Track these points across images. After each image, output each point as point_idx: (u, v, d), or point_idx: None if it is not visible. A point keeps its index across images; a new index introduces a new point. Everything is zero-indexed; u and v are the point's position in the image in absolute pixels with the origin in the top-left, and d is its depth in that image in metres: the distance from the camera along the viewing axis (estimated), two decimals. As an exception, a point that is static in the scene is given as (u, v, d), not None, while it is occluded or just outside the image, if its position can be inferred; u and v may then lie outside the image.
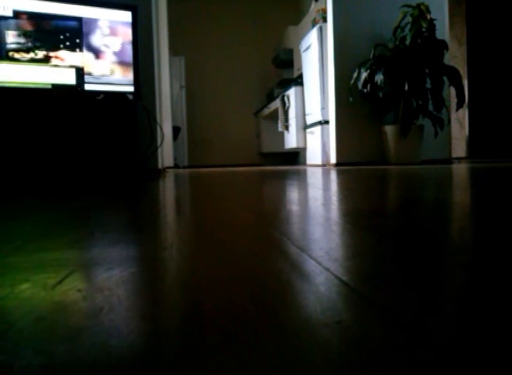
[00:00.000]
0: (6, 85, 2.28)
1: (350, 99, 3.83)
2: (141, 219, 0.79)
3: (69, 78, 2.42)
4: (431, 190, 1.24)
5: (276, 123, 6.09)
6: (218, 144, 7.02)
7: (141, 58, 2.74)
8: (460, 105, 3.60)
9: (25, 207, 1.05)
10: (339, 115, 3.97)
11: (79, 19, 2.44)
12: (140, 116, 2.78)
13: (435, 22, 3.67)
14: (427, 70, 3.64)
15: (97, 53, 2.49)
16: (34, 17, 2.34)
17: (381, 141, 3.96)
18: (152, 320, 0.28)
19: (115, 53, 2.53)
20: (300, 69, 5.35)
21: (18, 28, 2.31)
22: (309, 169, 3.50)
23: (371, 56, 3.76)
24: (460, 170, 2.43)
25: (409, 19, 3.67)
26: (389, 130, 3.79)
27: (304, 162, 5.59)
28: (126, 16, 2.56)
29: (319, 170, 3.20)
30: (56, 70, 2.39)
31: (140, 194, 1.42)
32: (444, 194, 1.07)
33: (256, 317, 0.28)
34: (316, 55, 4.28)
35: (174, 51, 5.78)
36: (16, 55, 2.30)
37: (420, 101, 3.66)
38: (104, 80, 2.50)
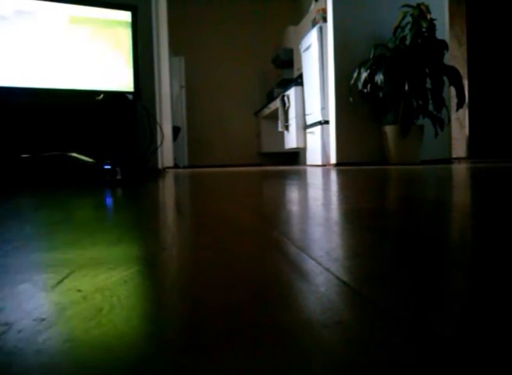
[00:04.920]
0: (3, 85, 2.28)
1: (350, 99, 3.83)
2: (141, 219, 0.78)
3: (68, 78, 2.42)
4: (431, 190, 1.24)
5: (276, 123, 6.09)
6: (218, 144, 7.02)
7: (141, 58, 2.73)
8: (460, 105, 3.60)
9: (26, 207, 1.05)
10: (339, 115, 3.97)
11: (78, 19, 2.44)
12: (140, 116, 2.78)
13: (435, 22, 3.67)
14: (427, 70, 3.64)
15: (95, 53, 2.48)
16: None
17: (381, 141, 3.96)
18: (152, 320, 0.28)
19: (114, 53, 2.53)
20: (300, 69, 5.35)
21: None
22: (309, 169, 3.50)
23: (371, 56, 3.76)
24: (460, 170, 2.43)
25: (409, 19, 3.67)
26: (389, 130, 3.79)
27: (304, 162, 5.59)
28: (126, 15, 2.56)
29: (319, 170, 3.20)
30: (53, 70, 2.38)
31: (140, 194, 1.42)
32: (444, 194, 1.06)
33: (256, 317, 0.28)
34: (316, 55, 4.28)
35: (174, 51, 5.78)
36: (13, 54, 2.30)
37: (420, 101, 3.66)
38: (103, 79, 2.50)
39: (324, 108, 4.24)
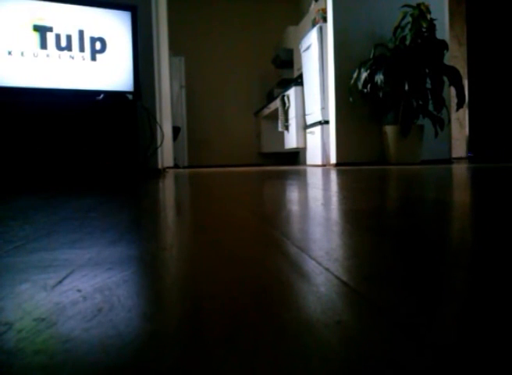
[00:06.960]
0: (7, 85, 2.28)
1: (350, 99, 3.83)
2: (141, 220, 0.78)
3: (68, 78, 2.42)
4: (431, 190, 1.24)
5: (276, 123, 6.09)
6: (218, 144, 7.02)
7: (141, 58, 2.73)
8: (460, 105, 3.60)
9: (26, 207, 1.05)
10: (339, 115, 3.97)
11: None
12: (140, 116, 2.78)
13: (435, 22, 3.67)
14: (427, 70, 3.64)
15: (96, 53, 2.48)
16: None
17: (381, 141, 3.96)
18: (152, 321, 0.28)
19: (114, 53, 2.53)
20: (300, 69, 5.35)
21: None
22: (309, 170, 3.50)
23: (371, 56, 3.76)
24: (460, 170, 2.43)
25: (409, 19, 3.67)
26: (389, 130, 3.79)
27: (304, 162, 5.58)
28: (126, 16, 2.56)
29: (319, 170, 3.20)
30: (54, 71, 2.38)
31: (140, 194, 1.42)
32: (444, 195, 1.06)
33: (256, 317, 0.28)
34: (316, 55, 4.28)
35: (174, 51, 5.78)
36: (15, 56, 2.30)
37: (420, 101, 3.66)
38: (103, 79, 2.50)
39: (324, 108, 4.24)
